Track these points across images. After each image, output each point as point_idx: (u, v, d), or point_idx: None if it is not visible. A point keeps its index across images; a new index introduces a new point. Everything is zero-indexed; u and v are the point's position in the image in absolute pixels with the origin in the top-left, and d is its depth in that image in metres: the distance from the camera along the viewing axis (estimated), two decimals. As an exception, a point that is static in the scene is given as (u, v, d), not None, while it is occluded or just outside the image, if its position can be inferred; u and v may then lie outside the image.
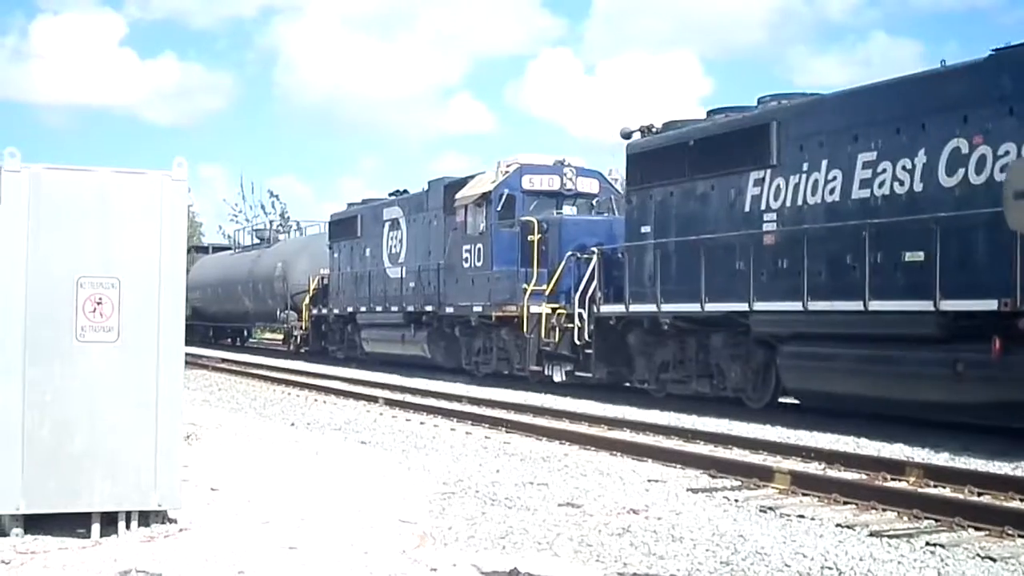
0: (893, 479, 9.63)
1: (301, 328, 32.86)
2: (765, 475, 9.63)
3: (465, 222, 22.62)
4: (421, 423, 15.03)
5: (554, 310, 19.75)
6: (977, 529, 7.55)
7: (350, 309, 28.65)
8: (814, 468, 10.37)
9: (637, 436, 13.06)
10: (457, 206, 22.90)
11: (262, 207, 62.14)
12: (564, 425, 14.24)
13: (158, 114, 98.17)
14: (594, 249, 18.88)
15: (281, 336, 38.42)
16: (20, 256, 6.78)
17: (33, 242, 6.81)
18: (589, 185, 22.13)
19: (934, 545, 7.13)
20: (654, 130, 17.79)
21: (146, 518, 7.03)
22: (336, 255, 30.66)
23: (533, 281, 20.00)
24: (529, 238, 20.30)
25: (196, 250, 46.52)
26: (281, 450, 11.79)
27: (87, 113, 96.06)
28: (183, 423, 8.29)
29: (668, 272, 16.75)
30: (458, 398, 18.10)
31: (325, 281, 31.48)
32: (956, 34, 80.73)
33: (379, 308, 26.82)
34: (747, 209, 15.40)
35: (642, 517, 7.96)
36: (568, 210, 21.55)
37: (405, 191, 27.54)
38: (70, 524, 6.93)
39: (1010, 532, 7.36)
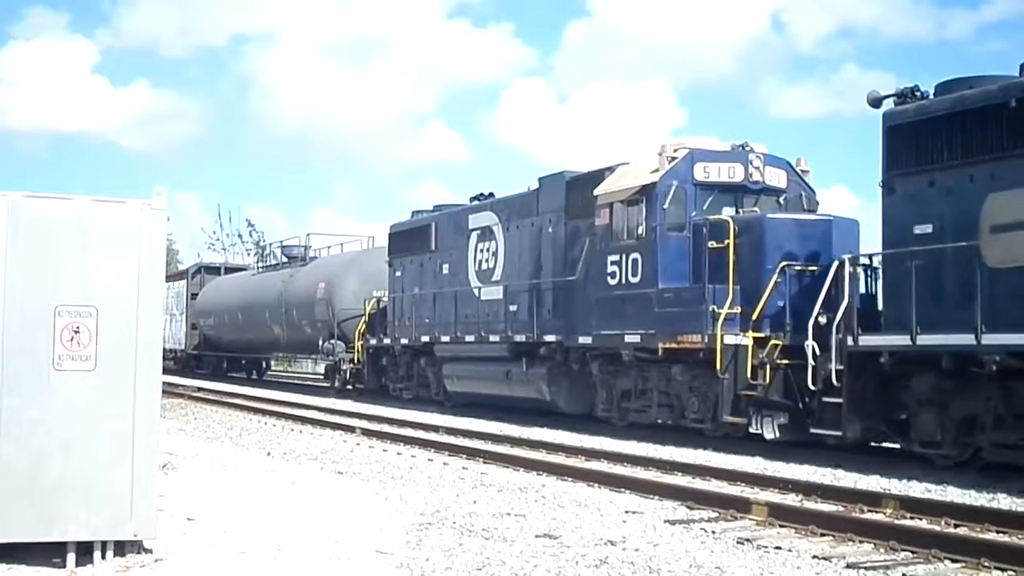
0: (870, 511, 9.65)
1: (352, 361, 27.61)
2: (742, 507, 9.64)
3: (610, 225, 17.41)
4: (398, 453, 14.98)
5: (762, 341, 14.91)
6: (953, 561, 7.57)
7: (425, 338, 23.50)
8: (791, 499, 10.38)
9: (615, 467, 13.05)
10: (600, 204, 17.66)
11: (239, 235, 61.94)
12: (541, 456, 14.21)
13: (132, 141, 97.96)
14: (844, 258, 13.81)
15: (322, 370, 32.78)
16: (-2, 284, 6.76)
17: (11, 270, 6.79)
18: (777, 177, 17.14)
19: (911, 577, 7.16)
20: (920, 93, 13.16)
21: (122, 548, 7.00)
22: (398, 273, 25.62)
23: (727, 302, 15.08)
24: (712, 244, 15.59)
25: (207, 271, 41.95)
26: (258, 480, 11.74)
27: (60, 139, 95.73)
28: (160, 452, 8.24)
29: (989, 288, 11.66)
30: (435, 428, 18.03)
31: (383, 304, 26.73)
32: (927, 66, 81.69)
33: (470, 337, 21.66)
34: None
35: (619, 549, 7.96)
36: (750, 208, 16.74)
37: (491, 194, 23.02)
38: (45, 553, 6.88)
39: (986, 564, 7.39)
